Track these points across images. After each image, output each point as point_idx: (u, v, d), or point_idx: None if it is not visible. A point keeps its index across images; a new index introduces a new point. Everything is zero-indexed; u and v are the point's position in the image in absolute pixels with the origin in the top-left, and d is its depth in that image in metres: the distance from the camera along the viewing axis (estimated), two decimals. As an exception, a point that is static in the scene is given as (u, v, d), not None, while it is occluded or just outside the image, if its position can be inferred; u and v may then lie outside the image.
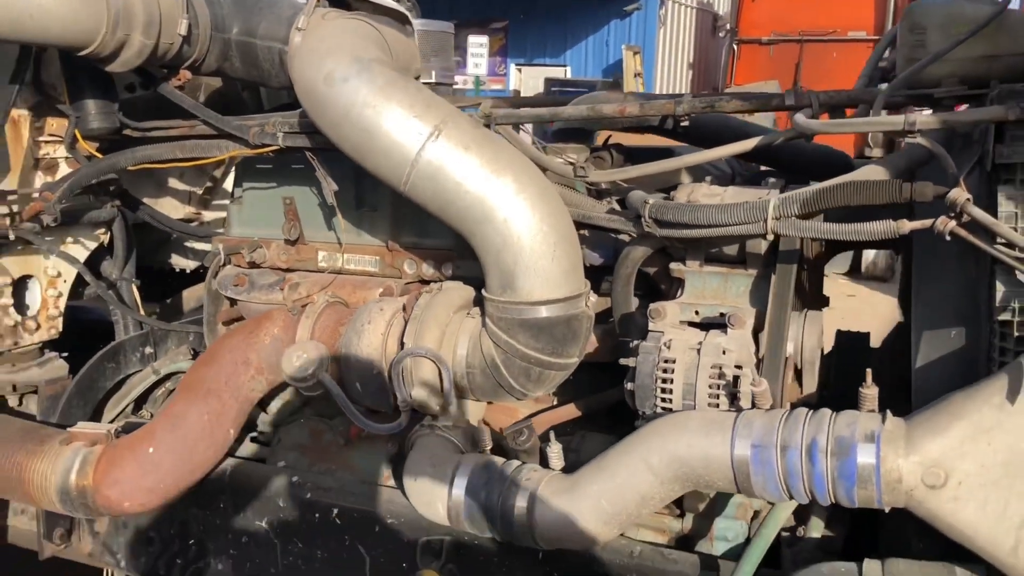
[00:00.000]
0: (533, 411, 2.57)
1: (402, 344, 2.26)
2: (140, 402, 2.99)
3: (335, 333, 2.37)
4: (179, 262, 3.80)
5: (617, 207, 2.33)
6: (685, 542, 2.22)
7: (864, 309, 7.69)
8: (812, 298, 2.43)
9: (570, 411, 2.48)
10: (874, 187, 1.70)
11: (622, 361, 2.04)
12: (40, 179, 2.70)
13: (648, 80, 20.36)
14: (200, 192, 3.62)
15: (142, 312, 3.02)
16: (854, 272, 9.56)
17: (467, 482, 2.04)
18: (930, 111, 1.84)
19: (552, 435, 2.09)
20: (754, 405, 1.90)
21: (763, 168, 2.59)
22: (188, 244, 3.77)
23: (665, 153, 2.51)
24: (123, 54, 2.39)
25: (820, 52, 14.61)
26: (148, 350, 2.90)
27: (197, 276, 3.87)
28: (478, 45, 19.43)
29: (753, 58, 15.46)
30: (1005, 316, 1.62)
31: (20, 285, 2.69)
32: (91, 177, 2.64)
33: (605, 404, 2.47)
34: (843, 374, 2.35)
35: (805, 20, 14.31)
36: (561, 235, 2.08)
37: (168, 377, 3.00)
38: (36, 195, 2.55)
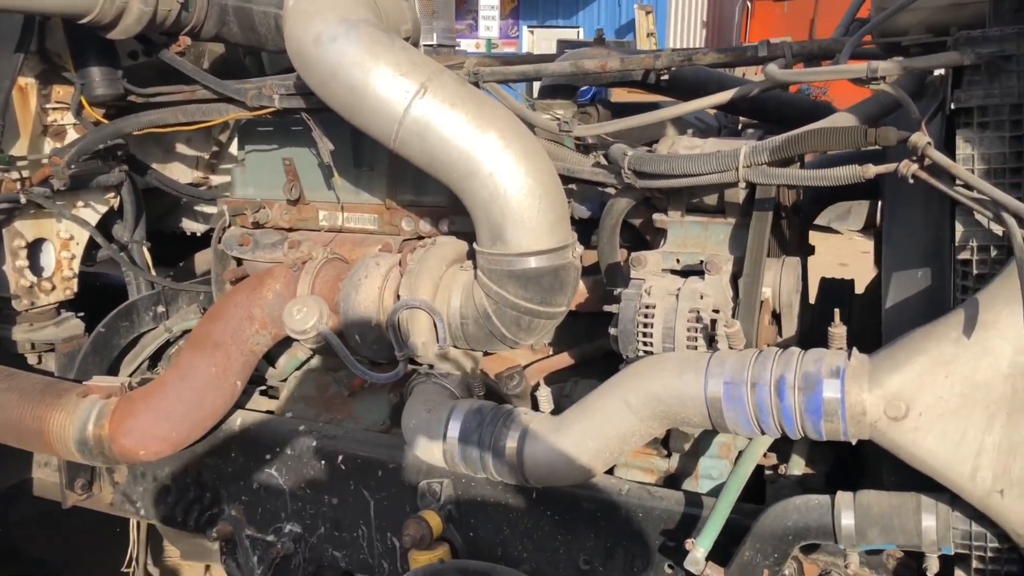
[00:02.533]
0: (530, 360, 2.66)
1: (398, 297, 2.35)
2: (154, 359, 3.11)
3: (334, 288, 2.47)
4: (190, 226, 3.90)
5: (603, 161, 2.41)
6: (672, 481, 2.32)
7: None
8: (796, 247, 2.50)
9: (564, 359, 2.57)
10: (841, 133, 1.76)
11: (606, 308, 2.12)
12: (49, 145, 2.80)
13: (661, 39, 20.19)
14: (207, 157, 3.71)
15: (153, 273, 3.12)
16: (869, 229, 9.54)
17: (461, 425, 2.13)
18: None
19: (542, 380, 2.18)
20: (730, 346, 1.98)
21: (745, 121, 2.65)
22: (198, 208, 3.87)
23: (651, 109, 2.58)
24: (123, 21, 2.47)
25: (836, 6, 14.43)
26: (160, 309, 3.01)
27: (208, 239, 3.98)
28: (489, 8, 19.32)
29: (767, 15, 15.31)
30: (964, 255, 1.68)
31: (35, 248, 2.80)
32: (98, 142, 2.73)
33: (598, 352, 2.55)
34: (826, 319, 2.41)
35: (821, -26, 14.15)
36: (546, 188, 2.15)
37: (181, 335, 3.12)
38: (45, 160, 2.65)
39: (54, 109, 2.79)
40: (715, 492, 2.28)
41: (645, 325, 2.03)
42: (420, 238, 2.72)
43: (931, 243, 1.82)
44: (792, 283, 2.13)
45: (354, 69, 2.13)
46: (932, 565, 1.78)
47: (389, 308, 2.38)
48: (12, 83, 2.55)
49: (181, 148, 3.61)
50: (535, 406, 2.31)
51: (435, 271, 2.32)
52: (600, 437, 1.95)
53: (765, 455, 2.24)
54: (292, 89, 2.56)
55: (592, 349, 2.56)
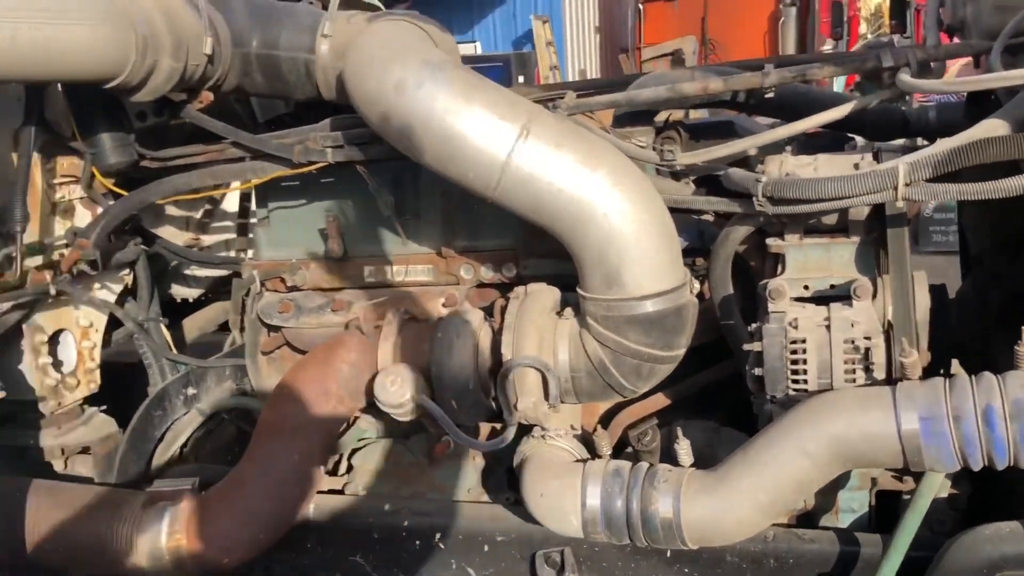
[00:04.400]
0: (611, 404, 2.51)
1: (496, 355, 2.16)
2: (184, 447, 2.83)
3: (418, 351, 2.26)
4: (180, 292, 3.60)
5: (693, 187, 2.28)
6: (808, 519, 2.19)
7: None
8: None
9: (659, 400, 2.42)
10: (1014, 141, 1.67)
11: (745, 347, 1.98)
12: (59, 225, 2.50)
13: (560, 48, 20.32)
14: (198, 216, 3.43)
15: (174, 351, 2.84)
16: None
17: (601, 490, 1.96)
18: None
19: (679, 432, 2.03)
20: (889, 377, 1.87)
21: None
22: (189, 272, 3.57)
23: (727, 125, 2.46)
24: (151, 81, 2.21)
25: (724, 3, 14.83)
26: (191, 391, 2.73)
27: (198, 305, 3.70)
28: (385, 27, 19.07)
29: (659, 16, 15.61)
30: None
31: (52, 341, 2.49)
32: (122, 216, 2.45)
33: (694, 389, 2.42)
34: None
35: (707, -27, 14.53)
36: (662, 224, 2.01)
37: (211, 417, 2.85)
38: (68, 243, 2.36)
39: (61, 184, 2.49)
40: (856, 526, 2.17)
41: (795, 362, 1.90)
42: (482, 285, 2.55)
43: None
44: (925, 300, 2.03)
45: (447, 116, 1.94)
46: None
47: (486, 369, 2.19)
48: (29, 161, 2.25)
49: (171, 209, 3.31)
50: (666, 458, 2.16)
51: (538, 324, 2.13)
52: (774, 489, 1.81)
53: (902, 479, 2.15)
54: (342, 140, 2.35)
55: (688, 386, 2.42)
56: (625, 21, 19.45)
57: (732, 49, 14.38)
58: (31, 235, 2.37)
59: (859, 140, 2.61)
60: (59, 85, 2.40)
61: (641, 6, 16.04)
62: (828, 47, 18.72)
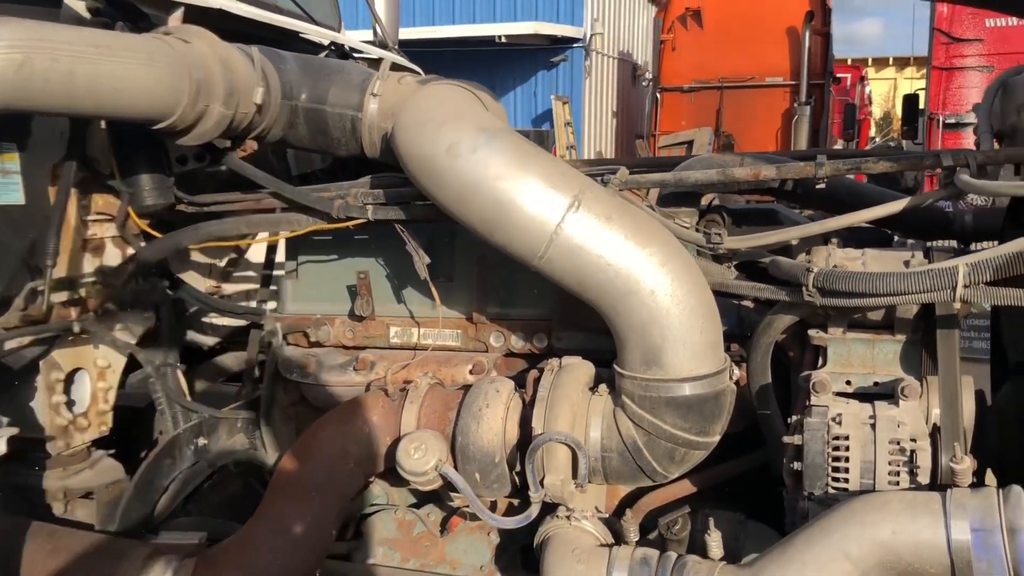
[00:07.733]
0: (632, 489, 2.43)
1: (526, 428, 2.10)
2: (188, 499, 2.74)
3: (443, 418, 2.20)
4: (197, 339, 3.54)
5: (735, 271, 2.25)
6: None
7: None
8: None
9: (683, 487, 2.35)
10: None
11: (785, 439, 1.92)
12: (89, 262, 2.46)
13: (577, 129, 20.63)
14: (222, 264, 3.39)
15: (189, 398, 2.77)
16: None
17: (627, 579, 1.88)
18: None
19: (712, 523, 1.96)
20: (933, 482, 1.82)
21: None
22: (207, 320, 3.52)
23: (769, 213, 2.45)
24: (200, 126, 2.20)
25: (739, 97, 15.05)
26: (202, 441, 2.66)
27: (211, 352, 3.64)
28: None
29: (675, 105, 15.81)
30: None
31: (67, 380, 2.43)
32: (154, 258, 2.42)
33: (721, 478, 2.35)
34: None
35: (724, 67, 14.75)
36: (707, 307, 1.97)
37: (218, 469, 2.77)
38: (96, 281, 2.32)
39: (94, 221, 2.46)
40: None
41: (837, 459, 1.85)
42: (511, 354, 2.50)
43: None
44: (971, 405, 1.98)
45: (499, 182, 1.92)
46: None
47: (513, 441, 2.12)
48: (67, 197, 2.22)
49: (195, 256, 3.28)
50: (694, 548, 2.08)
51: (572, 399, 2.08)
52: (812, 592, 1.73)
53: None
54: (383, 198, 2.33)
55: (716, 475, 2.35)
56: (642, 108, 19.77)
57: (745, 143, 14.56)
58: (59, 270, 2.32)
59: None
60: (102, 122, 2.40)
61: (659, 95, 16.26)
62: (839, 148, 19.05)
